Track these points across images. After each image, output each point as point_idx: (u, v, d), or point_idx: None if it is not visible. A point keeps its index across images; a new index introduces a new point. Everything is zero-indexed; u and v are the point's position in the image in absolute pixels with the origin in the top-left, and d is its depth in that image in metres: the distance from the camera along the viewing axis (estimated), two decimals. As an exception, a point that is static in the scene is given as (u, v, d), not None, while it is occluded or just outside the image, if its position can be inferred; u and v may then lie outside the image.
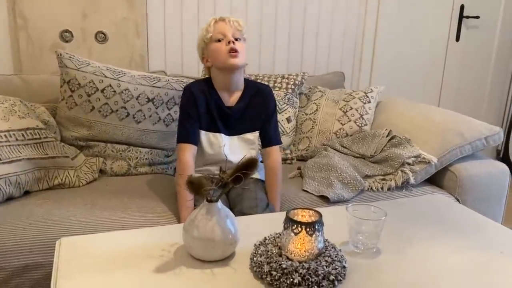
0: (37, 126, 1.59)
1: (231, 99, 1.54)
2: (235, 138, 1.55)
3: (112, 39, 2.09)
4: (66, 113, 1.73)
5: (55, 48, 1.96)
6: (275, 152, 1.56)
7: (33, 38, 1.99)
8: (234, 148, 1.54)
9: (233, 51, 1.44)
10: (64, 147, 1.67)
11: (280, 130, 1.74)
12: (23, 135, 1.52)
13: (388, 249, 1.06)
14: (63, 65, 1.72)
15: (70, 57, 1.73)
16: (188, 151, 1.47)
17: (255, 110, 1.55)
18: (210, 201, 0.98)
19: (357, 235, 1.04)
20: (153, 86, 1.78)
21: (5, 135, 1.47)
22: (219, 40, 1.47)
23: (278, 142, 1.59)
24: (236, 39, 1.47)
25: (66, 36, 2.04)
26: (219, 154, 1.52)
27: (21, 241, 1.24)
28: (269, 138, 1.57)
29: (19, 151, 1.47)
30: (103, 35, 2.08)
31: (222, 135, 1.53)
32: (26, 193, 1.50)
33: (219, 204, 0.99)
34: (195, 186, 0.94)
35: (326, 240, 0.99)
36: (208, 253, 0.97)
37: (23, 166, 1.46)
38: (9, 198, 1.43)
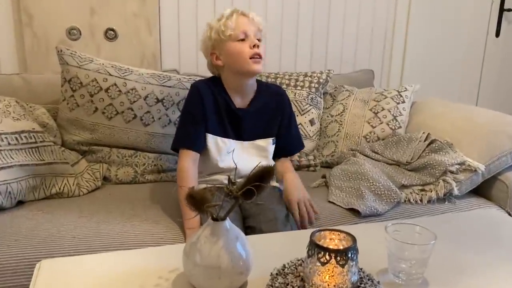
0: (33, 129, 1.44)
1: (243, 101, 1.40)
2: (245, 144, 1.40)
3: (123, 37, 1.98)
4: (67, 114, 1.59)
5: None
6: (288, 161, 1.50)
7: (39, 36, 1.89)
8: (244, 155, 1.38)
9: (257, 56, 1.30)
10: (64, 152, 1.52)
11: (302, 133, 1.65)
12: (16, 138, 1.37)
13: (437, 280, 0.87)
14: (64, 62, 1.58)
15: (71, 53, 1.59)
16: (190, 158, 1.32)
17: (269, 114, 1.42)
18: (215, 219, 0.79)
19: (399, 262, 0.84)
20: (163, 86, 1.64)
21: (-5, 139, 1.32)
22: (240, 40, 1.31)
23: (300, 147, 1.51)
24: (258, 40, 1.34)
25: (73, 33, 1.92)
26: (227, 161, 1.36)
27: (5, 260, 1.09)
28: (290, 146, 1.49)
29: (11, 157, 1.32)
30: (113, 32, 1.96)
31: (231, 140, 1.38)
32: (20, 203, 1.35)
33: (227, 223, 0.80)
34: (196, 201, 0.76)
35: (361, 269, 0.79)
36: (213, 284, 0.79)
37: (15, 173, 1.31)
38: (-1, 209, 1.29)
